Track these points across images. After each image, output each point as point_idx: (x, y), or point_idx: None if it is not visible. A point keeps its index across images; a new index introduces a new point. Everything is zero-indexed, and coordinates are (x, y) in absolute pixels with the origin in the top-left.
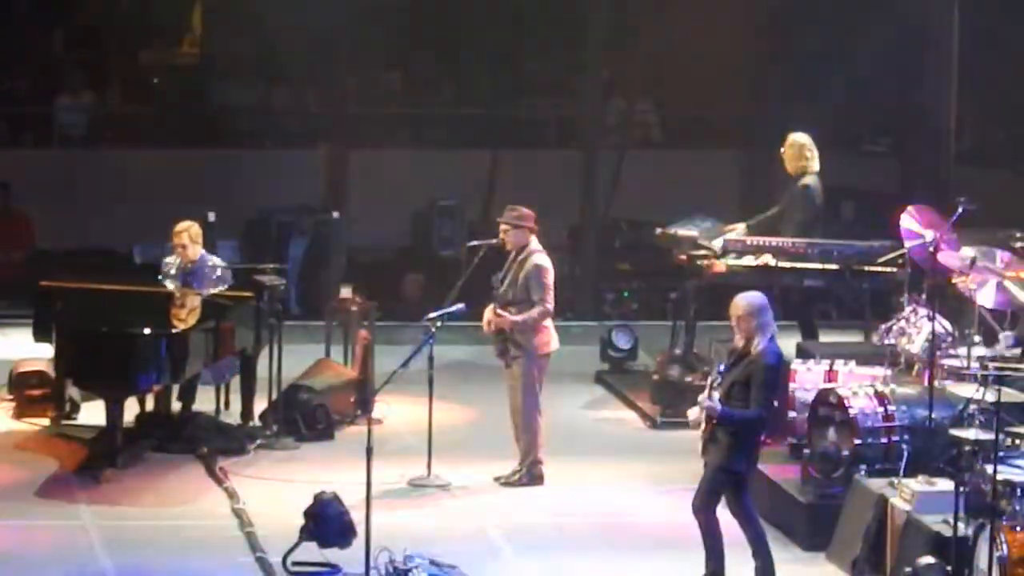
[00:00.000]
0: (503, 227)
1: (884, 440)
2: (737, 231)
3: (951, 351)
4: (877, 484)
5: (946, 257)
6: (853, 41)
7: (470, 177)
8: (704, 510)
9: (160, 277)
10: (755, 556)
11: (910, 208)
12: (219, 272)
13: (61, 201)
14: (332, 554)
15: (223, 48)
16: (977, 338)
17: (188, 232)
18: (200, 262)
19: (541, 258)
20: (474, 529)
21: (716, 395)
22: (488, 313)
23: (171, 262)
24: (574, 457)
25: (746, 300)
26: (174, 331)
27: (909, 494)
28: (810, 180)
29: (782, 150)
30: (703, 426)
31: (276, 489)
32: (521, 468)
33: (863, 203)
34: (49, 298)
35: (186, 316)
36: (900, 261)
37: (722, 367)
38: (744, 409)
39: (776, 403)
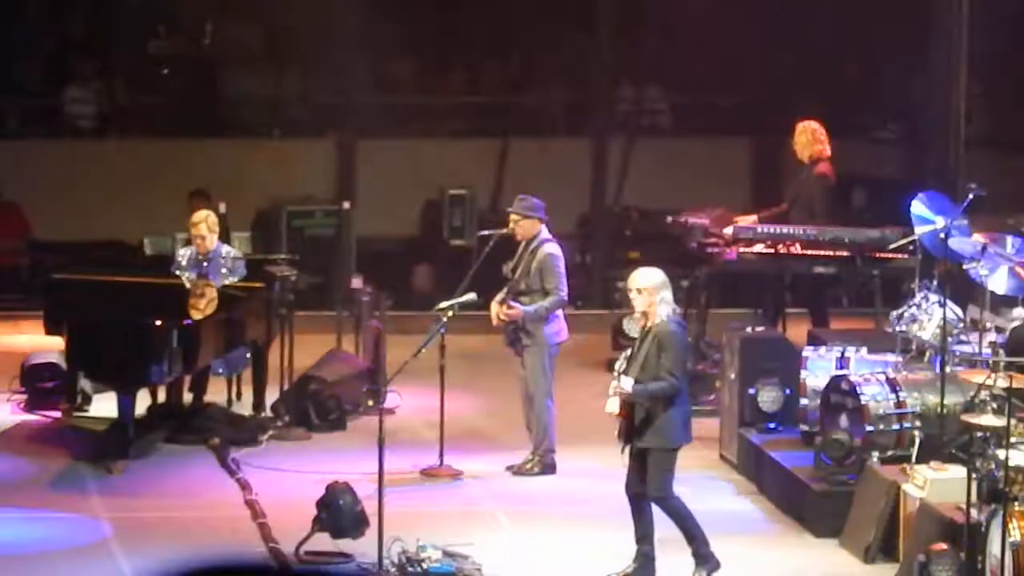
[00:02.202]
0: (513, 217)
1: (896, 427)
2: (748, 220)
3: (962, 337)
4: (889, 471)
5: (957, 243)
6: (863, 27)
7: (480, 166)
8: (667, 498)
9: (172, 268)
10: (641, 541)
11: (921, 194)
12: (232, 263)
13: (70, 192)
14: (345, 544)
15: (232, 38)
16: (989, 324)
17: (206, 222)
18: (215, 253)
19: (552, 247)
20: (487, 518)
21: (624, 378)
22: (495, 306)
23: (184, 253)
24: (586, 446)
25: (645, 273)
26: (186, 322)
27: (921, 480)
28: (825, 167)
29: (794, 138)
30: (618, 413)
31: (288, 480)
32: (533, 457)
33: (874, 190)
34: (60, 290)
35: (198, 307)
36: (911, 248)
37: (626, 357)
38: (658, 382)
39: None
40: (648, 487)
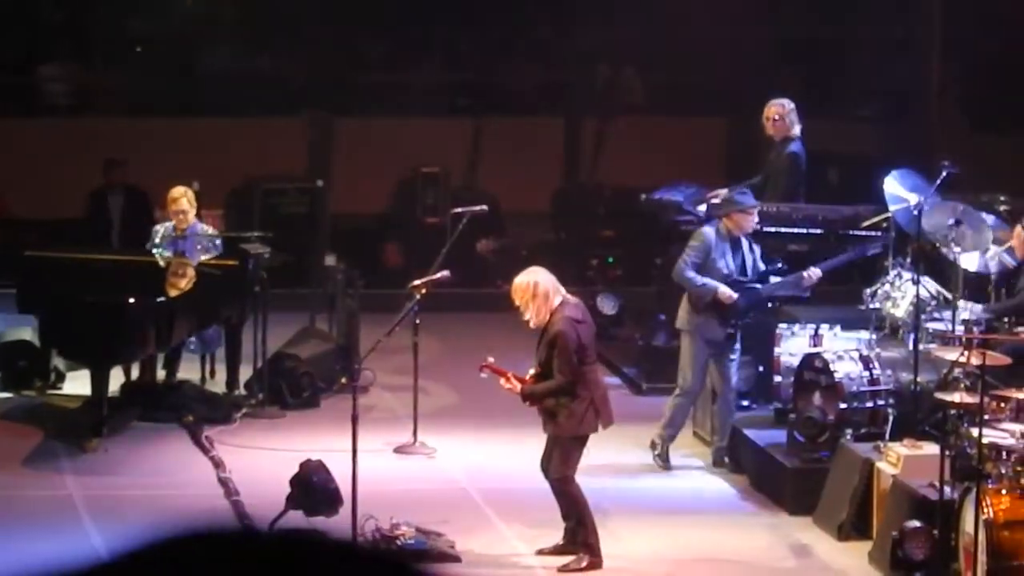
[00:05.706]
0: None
1: (870, 404)
2: (720, 196)
3: (936, 315)
4: (863, 448)
5: (930, 221)
6: (839, 5)
7: (454, 144)
8: (562, 480)
9: (148, 246)
10: (567, 518)
11: (894, 172)
12: (207, 241)
13: (45, 170)
14: (318, 522)
15: (207, 16)
16: (962, 301)
17: (186, 197)
18: (190, 230)
19: None
20: (460, 495)
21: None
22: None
23: (159, 230)
24: None
25: (517, 281)
26: (159, 300)
27: (895, 458)
28: (796, 146)
29: (771, 114)
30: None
31: (262, 458)
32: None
33: (847, 168)
34: (34, 268)
35: (172, 285)
36: (884, 225)
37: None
38: (546, 383)
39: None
40: (549, 467)
